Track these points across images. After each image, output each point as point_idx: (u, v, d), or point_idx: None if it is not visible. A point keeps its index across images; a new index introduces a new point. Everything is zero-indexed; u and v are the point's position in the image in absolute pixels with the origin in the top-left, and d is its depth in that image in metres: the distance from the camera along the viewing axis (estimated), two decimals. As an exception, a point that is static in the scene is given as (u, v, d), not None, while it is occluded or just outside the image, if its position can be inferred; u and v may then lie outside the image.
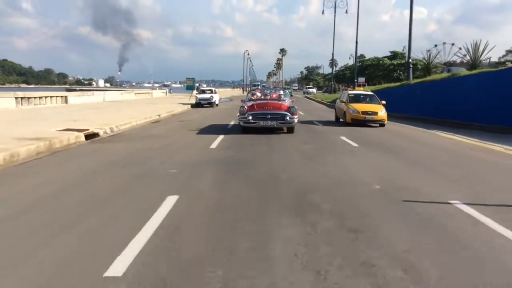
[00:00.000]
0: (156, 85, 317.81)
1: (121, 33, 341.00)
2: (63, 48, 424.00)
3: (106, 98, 27.08)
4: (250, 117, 12.37)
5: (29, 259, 3.13)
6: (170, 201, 4.73)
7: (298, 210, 4.52)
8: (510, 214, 4.59)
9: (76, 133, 10.43)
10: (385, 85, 31.74)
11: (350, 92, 18.01)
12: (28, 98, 17.79)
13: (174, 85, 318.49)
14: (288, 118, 12.34)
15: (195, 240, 3.58)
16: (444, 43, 59.83)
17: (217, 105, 28.38)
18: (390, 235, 3.78)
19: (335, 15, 46.52)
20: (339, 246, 3.48)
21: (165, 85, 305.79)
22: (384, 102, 16.30)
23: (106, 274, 2.83)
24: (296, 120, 12.63)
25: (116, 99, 28.49)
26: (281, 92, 15.39)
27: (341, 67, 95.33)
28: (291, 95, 29.57)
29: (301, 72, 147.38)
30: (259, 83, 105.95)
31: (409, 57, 24.34)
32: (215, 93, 29.21)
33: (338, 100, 18.41)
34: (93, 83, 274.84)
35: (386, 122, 15.53)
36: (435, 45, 58.63)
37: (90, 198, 4.93)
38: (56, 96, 21.03)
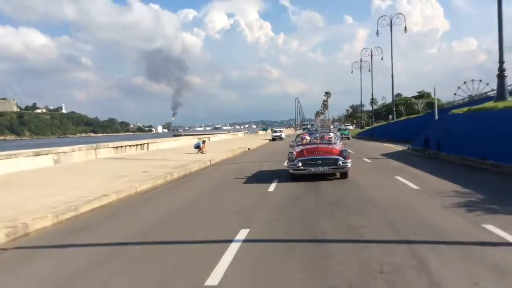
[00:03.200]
0: (208, 128, 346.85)
1: (174, 80, 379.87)
2: (120, 98, 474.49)
3: (221, 138, 49.76)
4: (300, 164, 12.17)
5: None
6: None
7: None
8: (366, 153, 25.23)
9: (244, 148, 32.01)
10: (381, 123, 52.24)
11: None
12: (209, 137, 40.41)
13: (224, 127, 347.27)
14: (340, 162, 11.97)
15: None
16: (472, 80, 77.94)
17: (283, 139, 50.00)
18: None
19: (361, 72, 67.08)
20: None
21: (216, 128, 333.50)
22: None
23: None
24: (349, 165, 12.18)
25: (224, 138, 51.20)
26: (331, 134, 15.47)
27: (379, 105, 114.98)
28: (348, 138, 41.41)
29: (347, 110, 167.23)
30: (308, 123, 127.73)
31: (393, 104, 44.79)
32: (283, 132, 51.80)
33: None
34: (153, 129, 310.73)
35: None
36: (465, 82, 76.59)
37: (266, 155, 26.23)
38: (208, 137, 43.50)
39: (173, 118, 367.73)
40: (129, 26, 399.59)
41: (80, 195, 9.92)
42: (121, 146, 24.11)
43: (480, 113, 16.85)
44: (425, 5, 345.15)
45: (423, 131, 24.38)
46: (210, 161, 20.14)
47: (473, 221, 6.62)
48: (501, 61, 17.33)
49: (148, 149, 27.72)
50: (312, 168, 12.12)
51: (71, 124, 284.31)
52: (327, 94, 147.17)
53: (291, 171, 12.54)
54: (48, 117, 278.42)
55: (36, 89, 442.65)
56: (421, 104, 55.24)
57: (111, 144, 23.04)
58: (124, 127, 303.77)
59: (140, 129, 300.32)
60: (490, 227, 6.13)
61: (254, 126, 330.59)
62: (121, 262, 5.38)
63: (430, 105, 59.39)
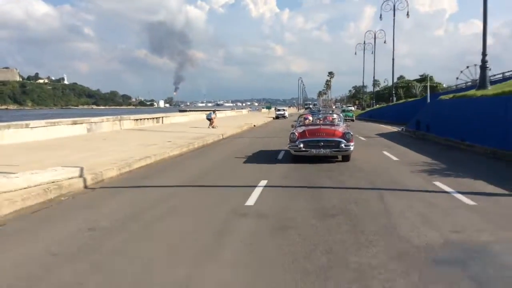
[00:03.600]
0: (209, 104, 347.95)
1: (176, 54, 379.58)
2: (122, 70, 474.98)
3: (226, 114, 52.40)
4: (302, 145, 12.19)
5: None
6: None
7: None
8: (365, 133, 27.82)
9: (250, 124, 34.61)
10: (382, 104, 54.70)
11: None
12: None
13: (226, 104, 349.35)
14: (343, 145, 11.95)
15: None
16: (475, 65, 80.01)
17: (286, 117, 52.62)
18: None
19: (364, 55, 69.01)
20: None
21: (217, 104, 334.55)
22: None
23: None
24: (352, 148, 12.17)
25: (230, 115, 53.90)
26: (335, 115, 15.54)
27: (382, 87, 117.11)
28: (352, 120, 40.67)
29: (350, 91, 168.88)
30: (310, 102, 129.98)
31: (393, 87, 47.13)
32: (286, 111, 54.42)
33: None
34: (154, 103, 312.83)
35: None
36: (467, 67, 78.54)
37: (272, 132, 28.86)
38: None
39: (175, 93, 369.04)
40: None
41: (127, 156, 12.55)
42: (140, 119, 26.76)
43: (461, 99, 19.39)
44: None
45: (417, 113, 26.92)
46: (222, 135, 22.75)
47: (428, 180, 9.28)
48: (483, 54, 19.70)
49: (162, 123, 30.33)
50: (314, 150, 12.14)
51: (73, 95, 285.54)
52: (330, 74, 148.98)
53: (292, 152, 12.52)
54: (50, 87, 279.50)
55: (38, 59, 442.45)
56: (418, 88, 57.68)
57: (132, 117, 25.70)
58: (126, 100, 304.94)
59: (142, 103, 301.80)
60: (437, 183, 8.79)
61: (256, 104, 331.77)
62: (183, 195, 8.06)
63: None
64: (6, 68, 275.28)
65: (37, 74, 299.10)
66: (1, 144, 14.58)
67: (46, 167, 9.56)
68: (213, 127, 27.73)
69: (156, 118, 29.69)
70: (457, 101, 20.09)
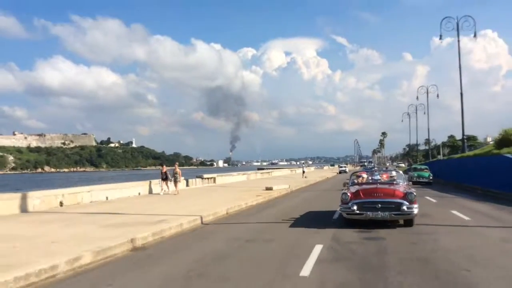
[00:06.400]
0: (265, 163, 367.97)
1: (232, 115, 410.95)
2: (181, 133, 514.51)
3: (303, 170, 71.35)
4: (355, 207, 10.95)
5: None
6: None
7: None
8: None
9: (325, 177, 52.64)
10: (422, 162, 71.25)
11: None
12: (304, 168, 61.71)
13: (281, 163, 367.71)
14: (405, 207, 10.66)
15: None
16: None
17: (347, 172, 70.23)
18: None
19: (409, 121, 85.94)
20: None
21: (273, 163, 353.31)
22: None
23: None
24: (416, 211, 10.85)
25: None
26: (394, 173, 14.38)
27: (433, 146, 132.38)
28: (430, 183, 37.17)
29: (404, 149, 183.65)
30: (365, 160, 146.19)
31: (429, 151, 63.78)
32: (347, 167, 72.90)
33: None
34: (214, 163, 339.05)
35: None
36: None
37: (344, 178, 46.70)
38: (296, 169, 64.69)
39: (231, 153, 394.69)
40: (191, 65, 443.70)
41: (294, 184, 30.79)
42: (262, 173, 45.95)
43: (449, 160, 36.73)
44: (489, 42, 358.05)
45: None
46: (315, 181, 40.96)
47: (420, 194, 26.92)
48: (463, 134, 37.12)
49: (271, 175, 49.16)
50: (370, 212, 10.84)
51: (141, 157, 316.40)
52: (384, 134, 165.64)
53: (344, 215, 11.42)
54: (121, 151, 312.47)
55: (105, 124, 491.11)
56: (447, 150, 73.54)
57: (259, 172, 44.83)
58: (187, 161, 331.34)
59: (202, 163, 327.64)
60: (420, 192, 26.44)
61: (310, 162, 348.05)
62: (325, 194, 26.31)
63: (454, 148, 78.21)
64: (85, 134, 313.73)
65: (109, 138, 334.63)
66: (227, 183, 33.58)
67: (270, 185, 28.10)
68: (305, 177, 45.97)
69: (268, 172, 48.89)
70: (448, 160, 37.48)
